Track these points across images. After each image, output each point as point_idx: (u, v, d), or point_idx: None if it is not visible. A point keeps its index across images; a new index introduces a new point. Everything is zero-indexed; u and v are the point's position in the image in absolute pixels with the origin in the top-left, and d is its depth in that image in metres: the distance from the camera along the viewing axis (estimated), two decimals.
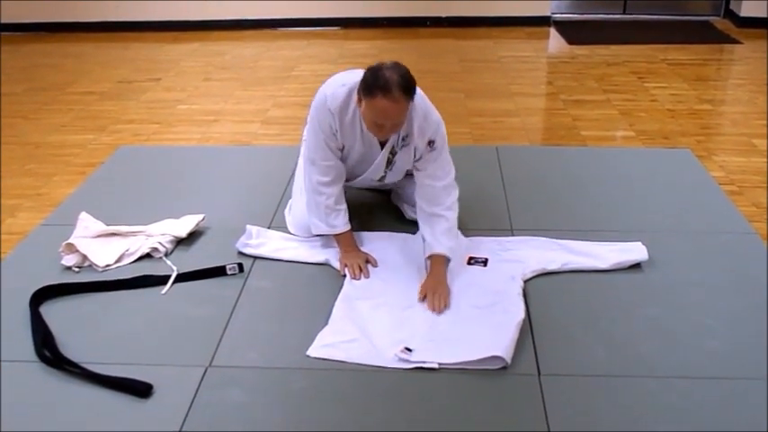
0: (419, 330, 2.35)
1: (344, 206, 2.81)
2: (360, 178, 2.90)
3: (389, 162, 2.80)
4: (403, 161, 2.79)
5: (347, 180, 2.89)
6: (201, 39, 6.81)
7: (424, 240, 2.75)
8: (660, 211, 3.15)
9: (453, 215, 2.75)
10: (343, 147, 2.76)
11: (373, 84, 2.43)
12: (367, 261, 2.74)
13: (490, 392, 2.13)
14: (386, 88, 2.41)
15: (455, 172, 2.79)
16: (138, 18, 7.06)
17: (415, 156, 2.73)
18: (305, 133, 2.91)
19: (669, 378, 2.18)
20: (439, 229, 2.71)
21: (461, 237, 2.83)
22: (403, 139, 2.71)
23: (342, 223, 2.78)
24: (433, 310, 2.50)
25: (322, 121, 2.67)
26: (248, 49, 6.50)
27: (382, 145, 2.74)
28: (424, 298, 2.55)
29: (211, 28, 7.03)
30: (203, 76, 5.73)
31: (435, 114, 2.71)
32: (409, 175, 2.96)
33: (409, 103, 2.50)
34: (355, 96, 2.57)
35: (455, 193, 2.78)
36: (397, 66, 2.48)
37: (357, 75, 2.60)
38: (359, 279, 2.66)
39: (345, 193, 2.87)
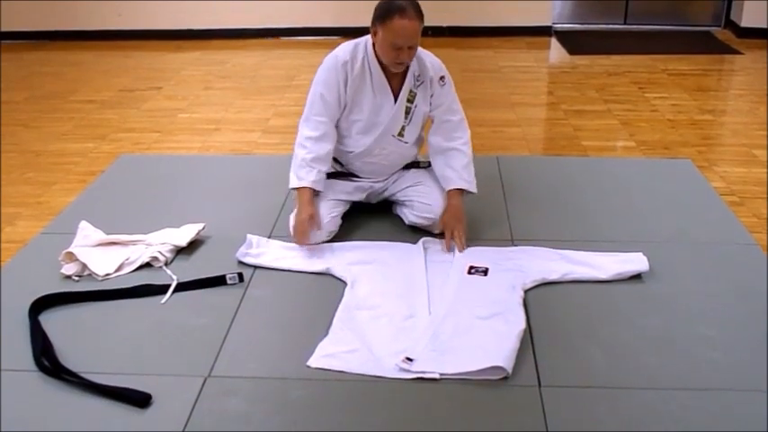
0: (420, 340, 2.34)
1: (321, 168, 2.89)
2: (379, 134, 2.92)
3: (408, 111, 2.89)
4: (421, 105, 2.91)
5: (365, 147, 2.95)
6: (203, 48, 6.83)
7: (441, 176, 2.97)
8: (661, 222, 3.14)
9: (470, 152, 2.99)
10: (346, 106, 2.88)
11: (388, 9, 2.69)
12: (311, 217, 2.83)
13: (490, 403, 2.12)
14: (401, 9, 2.67)
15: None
16: (140, 27, 7.09)
17: (431, 96, 2.89)
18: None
19: (670, 390, 2.17)
20: (459, 163, 2.94)
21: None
22: (417, 78, 2.86)
23: (309, 178, 2.87)
24: (448, 250, 2.80)
25: (328, 77, 2.85)
26: (249, 58, 6.52)
27: (395, 97, 2.86)
28: (442, 233, 2.87)
29: (213, 37, 7.05)
30: (204, 85, 5.75)
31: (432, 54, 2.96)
32: (405, 168, 3.07)
33: (421, 26, 2.72)
34: (361, 49, 2.83)
35: (468, 133, 3.02)
36: None
37: (354, 39, 2.88)
38: (300, 244, 2.82)
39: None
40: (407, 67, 2.84)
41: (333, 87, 2.85)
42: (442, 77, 2.91)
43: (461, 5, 6.99)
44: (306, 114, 2.92)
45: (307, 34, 7.05)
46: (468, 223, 3.00)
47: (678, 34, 7.08)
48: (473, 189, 2.97)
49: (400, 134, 2.95)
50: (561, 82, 5.80)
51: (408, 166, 3.11)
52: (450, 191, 2.94)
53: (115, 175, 3.74)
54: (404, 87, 2.86)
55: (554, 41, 6.96)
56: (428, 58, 2.90)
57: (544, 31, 7.09)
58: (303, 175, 2.88)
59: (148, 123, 4.89)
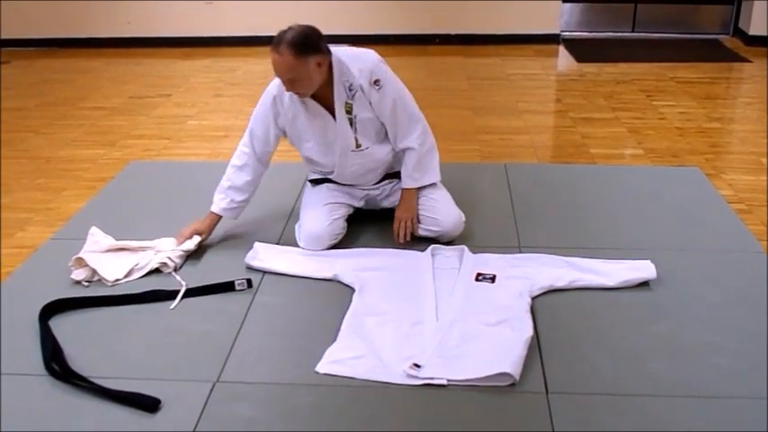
0: (427, 347, 2.34)
1: (235, 197, 2.99)
2: (339, 155, 2.93)
3: (352, 123, 2.87)
4: (362, 113, 2.86)
5: (335, 168, 2.97)
6: (213, 55, 6.86)
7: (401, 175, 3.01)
8: (669, 230, 3.14)
9: (424, 145, 2.96)
10: (289, 137, 2.97)
11: (273, 39, 2.66)
12: (195, 233, 2.95)
13: (498, 410, 2.12)
14: (275, 43, 2.65)
15: (432, 138, 3.01)
16: (150, 34, 7.12)
17: (370, 103, 2.84)
18: None
19: (677, 397, 2.17)
20: (410, 162, 2.96)
21: (467, 252, 2.84)
22: (349, 89, 2.82)
23: (220, 205, 2.99)
24: (397, 238, 2.93)
25: (259, 112, 2.93)
26: (259, 65, 6.54)
27: (333, 114, 2.85)
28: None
29: (223, 44, 7.08)
30: (213, 92, 5.77)
31: (369, 54, 2.87)
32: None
33: (300, 59, 2.64)
34: None
35: (420, 125, 2.95)
36: (303, 26, 2.69)
37: None
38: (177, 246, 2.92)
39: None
40: (331, 80, 2.80)
41: (261, 123, 2.93)
42: (376, 81, 2.81)
43: (469, 13, 7.00)
44: (240, 142, 3.01)
45: None
46: (475, 231, 3.04)
47: (686, 42, 7.07)
48: (423, 183, 2.99)
49: (358, 146, 2.93)
50: (569, 90, 5.80)
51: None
52: (402, 189, 3.00)
53: (124, 182, 3.76)
54: (336, 103, 2.83)
55: (562, 49, 6.97)
56: (356, 65, 2.80)
57: (552, 39, 7.10)
58: (216, 200, 3.01)
59: (158, 130, 4.91)
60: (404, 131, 2.93)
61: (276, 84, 2.85)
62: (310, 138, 2.94)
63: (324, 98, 2.84)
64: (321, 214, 2.96)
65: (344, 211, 3.05)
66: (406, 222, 2.95)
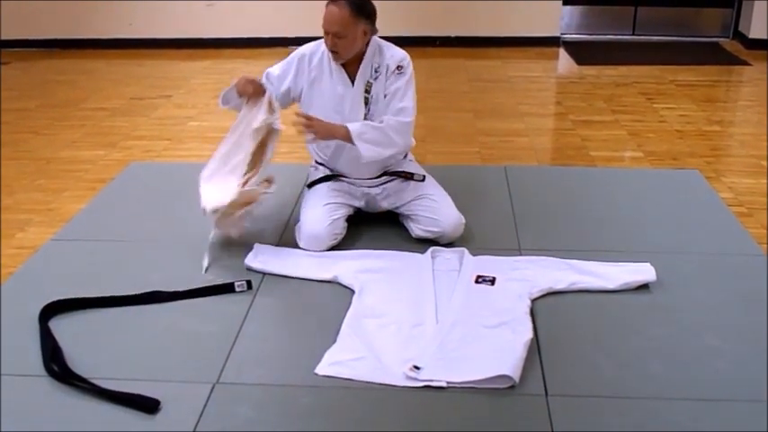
0: (427, 349, 2.35)
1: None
2: (342, 123, 2.96)
3: (367, 102, 2.95)
4: (380, 95, 2.95)
5: (335, 147, 3.01)
6: (214, 56, 6.87)
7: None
8: (668, 232, 3.15)
9: (390, 129, 2.91)
10: (304, 96, 3.05)
11: None
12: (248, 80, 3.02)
13: (497, 412, 2.12)
14: None
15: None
16: (151, 35, 7.13)
17: (386, 83, 2.92)
18: None
19: (677, 400, 2.17)
20: (374, 122, 2.94)
21: (467, 254, 2.84)
22: (376, 71, 2.93)
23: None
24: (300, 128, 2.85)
25: (283, 64, 3.08)
26: (260, 66, 6.49)
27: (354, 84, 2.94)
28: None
29: (224, 46, 7.09)
30: (214, 94, 5.73)
31: (403, 50, 3.00)
32: (404, 180, 3.05)
33: (355, 18, 2.79)
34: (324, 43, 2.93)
35: (407, 122, 2.96)
36: None
37: None
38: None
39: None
40: (362, 57, 2.92)
41: (282, 69, 3.08)
42: (399, 67, 2.95)
43: (471, 16, 7.00)
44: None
45: None
46: (475, 233, 3.06)
47: (686, 45, 7.08)
48: (355, 140, 2.85)
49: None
50: (569, 92, 5.81)
51: (406, 178, 3.11)
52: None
53: (125, 183, 3.76)
54: (358, 79, 2.94)
55: (562, 52, 6.97)
56: (390, 51, 2.97)
57: (553, 42, 7.10)
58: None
59: (158, 131, 4.91)
60: (391, 112, 2.94)
61: (311, 46, 3.00)
62: (320, 106, 2.99)
63: (350, 71, 2.95)
64: (321, 214, 2.97)
65: (344, 212, 3.05)
66: (310, 125, 2.85)
